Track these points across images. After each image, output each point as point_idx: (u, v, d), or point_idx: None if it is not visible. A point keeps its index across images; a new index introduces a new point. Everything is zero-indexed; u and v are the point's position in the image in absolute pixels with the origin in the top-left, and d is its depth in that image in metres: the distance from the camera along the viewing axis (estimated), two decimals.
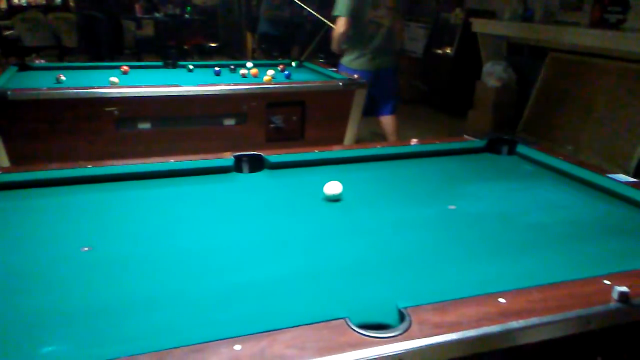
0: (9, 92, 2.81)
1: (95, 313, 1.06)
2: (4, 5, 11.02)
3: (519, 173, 2.04)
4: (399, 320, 1.01)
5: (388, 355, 0.92)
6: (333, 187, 1.70)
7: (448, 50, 7.22)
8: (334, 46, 4.26)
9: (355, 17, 4.03)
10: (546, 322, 1.03)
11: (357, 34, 4.14)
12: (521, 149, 2.20)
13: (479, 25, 6.07)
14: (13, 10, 10.46)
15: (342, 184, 1.84)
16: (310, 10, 5.15)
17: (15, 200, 1.65)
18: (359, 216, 1.60)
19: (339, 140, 3.51)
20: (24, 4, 10.91)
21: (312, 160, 2.04)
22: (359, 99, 3.51)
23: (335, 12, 4.08)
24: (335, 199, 1.70)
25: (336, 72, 3.96)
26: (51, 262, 1.27)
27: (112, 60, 7.02)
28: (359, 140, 3.73)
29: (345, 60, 4.27)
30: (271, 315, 1.02)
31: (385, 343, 0.94)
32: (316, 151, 2.09)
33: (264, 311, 1.06)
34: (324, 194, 1.71)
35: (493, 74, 5.96)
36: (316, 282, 1.20)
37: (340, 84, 3.49)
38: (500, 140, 2.26)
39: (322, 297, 1.13)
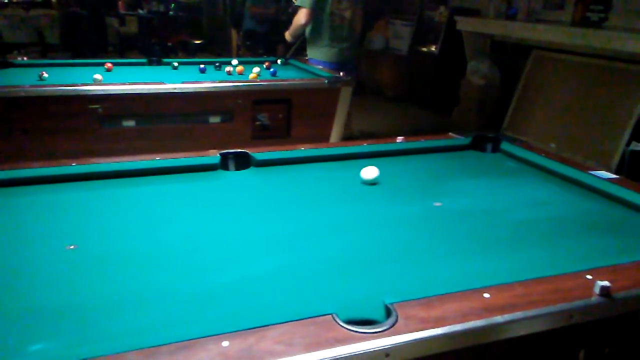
0: None
1: (82, 311, 1.05)
2: None
3: (503, 170, 2.06)
4: (386, 316, 1.02)
5: (375, 350, 0.93)
6: (370, 172, 1.81)
7: (433, 48, 7.26)
8: (289, 36, 4.42)
9: (318, 8, 4.14)
10: (530, 316, 1.05)
11: (322, 26, 4.26)
12: (505, 146, 2.22)
13: (464, 24, 6.12)
14: None
15: (328, 181, 1.86)
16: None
17: None
18: (345, 213, 1.60)
19: (325, 138, 3.51)
20: (5, 1, 10.76)
21: (298, 158, 2.04)
22: (345, 97, 3.52)
23: (298, 2, 4.15)
24: (372, 183, 1.81)
25: (322, 69, 3.97)
26: (36, 261, 1.26)
27: (95, 57, 6.95)
28: (345, 138, 3.74)
29: (315, 53, 4.38)
30: (259, 312, 1.02)
31: (373, 338, 0.95)
32: (302, 149, 2.10)
33: (251, 308, 1.06)
34: (361, 178, 1.82)
35: (477, 71, 6.01)
36: (303, 278, 1.20)
37: (326, 81, 3.49)
38: (485, 137, 2.28)
39: (309, 294, 1.13)
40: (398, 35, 7.90)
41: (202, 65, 3.84)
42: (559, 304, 1.08)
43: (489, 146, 2.25)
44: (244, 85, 3.35)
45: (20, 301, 1.09)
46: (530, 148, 2.17)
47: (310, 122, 3.49)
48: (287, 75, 3.76)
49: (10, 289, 1.14)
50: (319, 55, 4.36)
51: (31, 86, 2.94)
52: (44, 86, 2.99)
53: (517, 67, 5.71)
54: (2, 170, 1.77)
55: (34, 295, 1.11)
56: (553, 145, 4.91)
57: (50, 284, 1.16)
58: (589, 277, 1.17)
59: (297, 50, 4.77)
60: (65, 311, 1.05)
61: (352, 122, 4.96)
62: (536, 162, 2.03)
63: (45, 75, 3.22)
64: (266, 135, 3.37)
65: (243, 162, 1.97)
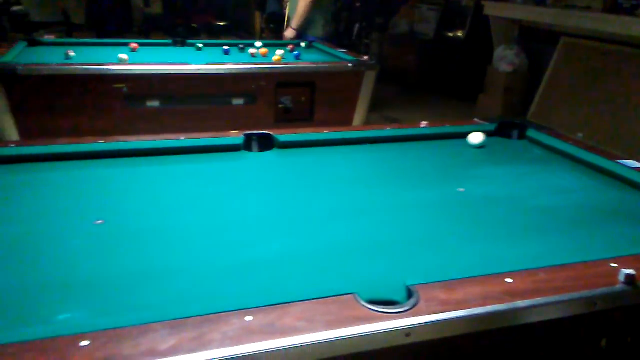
0: (19, 67, 2.82)
1: (110, 283, 1.08)
2: None
3: (528, 157, 2.04)
4: (407, 297, 1.03)
5: (396, 330, 0.94)
6: (477, 137, 2.05)
7: (459, 34, 7.16)
8: (296, 24, 4.51)
9: None
10: (552, 302, 1.04)
11: (321, 5, 4.52)
12: (531, 133, 2.20)
13: (492, 8, 6.02)
14: None
15: (352, 164, 1.86)
16: None
17: (27, 173, 1.67)
18: (369, 196, 1.61)
19: (348, 122, 3.51)
20: None
21: (321, 141, 2.05)
22: (369, 81, 3.50)
23: None
24: (481, 146, 2.05)
25: (345, 53, 3.94)
26: (65, 234, 1.29)
27: (121, 37, 7.00)
28: (367, 123, 3.73)
29: (313, 30, 4.57)
30: (281, 290, 1.03)
31: (394, 318, 0.95)
32: (325, 132, 2.10)
33: (274, 286, 1.08)
34: (469, 142, 2.06)
35: (505, 58, 5.92)
36: (326, 258, 1.21)
37: (350, 65, 3.48)
38: (511, 124, 2.25)
39: (331, 274, 1.14)
40: (424, 19, 7.80)
41: (226, 47, 3.85)
42: (582, 291, 1.07)
43: (515, 133, 2.22)
44: (267, 67, 3.35)
45: (49, 273, 1.12)
46: (557, 135, 2.14)
47: (334, 106, 3.48)
48: (311, 58, 3.75)
49: (40, 261, 1.17)
50: (318, 32, 4.57)
51: (58, 64, 2.98)
52: (71, 64, 3.03)
53: (546, 54, 5.61)
54: (30, 146, 1.80)
55: (61, 268, 1.14)
56: (581, 134, 4.83)
57: (78, 257, 1.19)
58: (613, 265, 1.15)
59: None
60: (92, 283, 1.08)
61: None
62: (563, 150, 2.00)
63: (72, 54, 3.26)
64: (289, 118, 3.38)
65: (266, 143, 1.98)
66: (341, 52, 3.97)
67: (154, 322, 0.90)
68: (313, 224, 1.40)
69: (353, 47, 6.44)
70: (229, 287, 1.08)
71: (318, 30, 4.61)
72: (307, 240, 1.31)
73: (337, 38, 5.60)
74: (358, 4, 7.74)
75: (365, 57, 3.73)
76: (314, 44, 4.42)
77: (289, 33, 4.61)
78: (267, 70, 3.32)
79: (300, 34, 4.57)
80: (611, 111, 4.75)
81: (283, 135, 2.00)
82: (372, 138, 2.12)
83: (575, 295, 1.06)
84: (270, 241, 1.29)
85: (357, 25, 7.87)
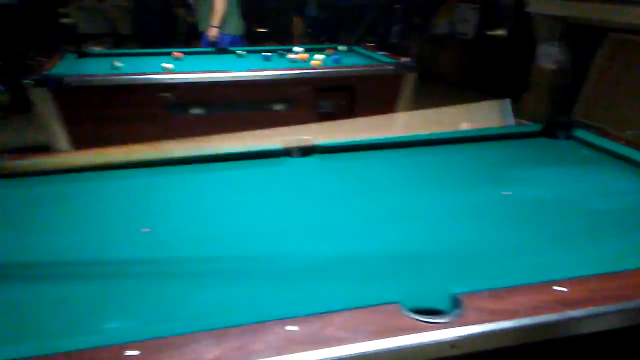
0: (68, 79, 2.92)
1: (155, 292, 1.10)
2: None
3: (577, 158, 1.97)
4: (452, 307, 1.00)
5: (441, 341, 0.92)
6: None
7: (500, 32, 7.01)
8: (220, 15, 4.51)
9: None
10: (605, 312, 1.00)
11: (233, 3, 4.62)
12: (579, 133, 2.12)
13: (535, 5, 5.86)
14: None
15: (393, 168, 1.84)
16: None
17: (76, 182, 1.72)
18: (412, 201, 1.58)
19: None
20: None
21: (362, 145, 2.03)
22: (409, 83, 3.47)
23: None
24: None
25: (385, 55, 3.91)
26: (112, 242, 1.32)
27: (165, 46, 7.16)
28: None
29: (228, 28, 4.63)
30: (324, 298, 1.02)
31: (438, 328, 0.93)
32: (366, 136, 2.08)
33: (317, 294, 1.07)
34: None
35: (548, 56, 5.75)
36: (369, 266, 1.20)
37: (390, 67, 3.45)
38: (557, 124, 2.18)
39: (374, 282, 1.13)
40: (464, 18, 7.68)
41: (266, 53, 3.89)
42: (637, 300, 1.02)
43: (562, 133, 2.15)
44: (307, 72, 3.36)
45: (95, 280, 1.15)
46: (606, 134, 2.06)
47: (374, 110, 3.45)
48: (351, 62, 3.74)
49: (86, 270, 1.20)
50: (232, 30, 4.64)
51: (105, 75, 3.07)
52: (118, 75, 3.12)
53: (591, 50, 5.43)
54: (80, 156, 1.86)
55: (107, 275, 1.17)
56: (630, 132, 4.64)
57: (124, 264, 1.22)
58: None
59: (362, 37, 4.74)
60: (138, 291, 1.10)
61: None
62: (613, 150, 1.92)
63: (118, 64, 3.36)
64: None
65: (307, 149, 1.98)
66: (381, 55, 3.95)
67: (198, 332, 0.90)
68: (355, 231, 1.39)
69: (392, 49, 6.41)
70: (272, 296, 1.08)
71: (234, 27, 4.67)
72: (350, 247, 1.30)
73: (377, 40, 5.54)
74: (397, 6, 7.70)
75: (405, 59, 3.70)
76: (354, 48, 4.41)
77: (213, 32, 4.59)
78: (307, 76, 3.34)
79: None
80: None
81: (324, 141, 2.00)
82: (414, 141, 2.09)
83: (629, 304, 1.02)
84: (313, 249, 1.29)
85: (395, 27, 7.83)
